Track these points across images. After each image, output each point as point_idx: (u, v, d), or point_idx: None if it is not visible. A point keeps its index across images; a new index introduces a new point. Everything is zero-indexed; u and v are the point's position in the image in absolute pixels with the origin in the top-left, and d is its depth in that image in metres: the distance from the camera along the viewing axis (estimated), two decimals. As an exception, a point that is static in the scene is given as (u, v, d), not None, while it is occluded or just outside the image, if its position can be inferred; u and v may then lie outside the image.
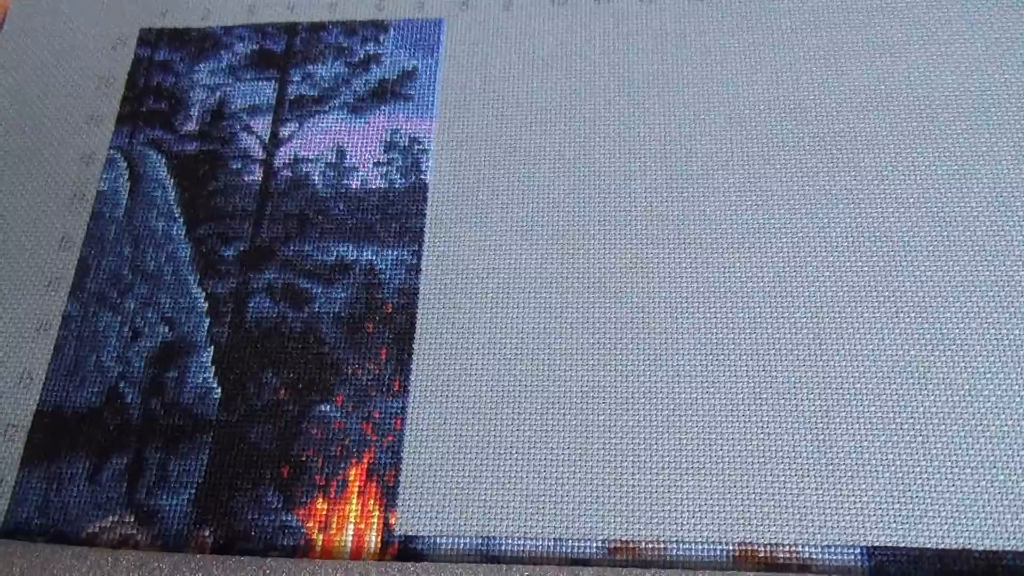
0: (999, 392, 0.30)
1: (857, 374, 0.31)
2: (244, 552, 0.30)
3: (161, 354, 0.34)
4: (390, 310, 0.34)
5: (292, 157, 0.37)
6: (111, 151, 0.38)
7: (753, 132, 0.36)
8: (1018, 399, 0.30)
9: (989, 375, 0.31)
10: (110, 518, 0.31)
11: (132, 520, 0.31)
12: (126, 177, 0.37)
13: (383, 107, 0.38)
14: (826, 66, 0.37)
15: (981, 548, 0.28)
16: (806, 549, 0.29)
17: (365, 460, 0.31)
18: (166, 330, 0.34)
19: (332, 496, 0.31)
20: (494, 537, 0.30)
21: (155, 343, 0.34)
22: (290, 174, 0.37)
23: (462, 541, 0.29)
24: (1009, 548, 0.28)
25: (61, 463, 0.32)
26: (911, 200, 0.34)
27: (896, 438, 0.30)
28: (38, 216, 0.37)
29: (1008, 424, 0.30)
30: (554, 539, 0.29)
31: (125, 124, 0.39)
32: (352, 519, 0.30)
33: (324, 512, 0.30)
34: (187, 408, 0.32)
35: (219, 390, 0.33)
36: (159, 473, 0.31)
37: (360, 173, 0.36)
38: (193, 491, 0.31)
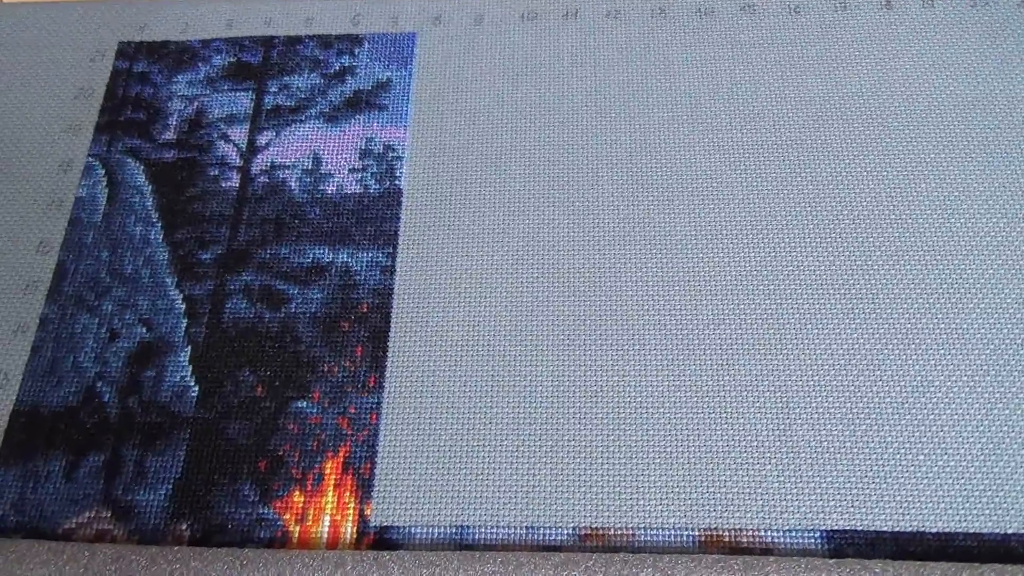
0: (949, 383, 0.32)
1: (816, 368, 0.32)
2: (222, 544, 0.30)
3: (139, 354, 0.34)
4: (365, 310, 0.34)
5: (269, 164, 0.38)
6: (89, 159, 0.39)
7: (714, 139, 0.37)
8: (966, 390, 0.32)
9: (939, 367, 0.32)
10: (87, 514, 0.31)
11: (109, 515, 0.31)
12: (104, 184, 0.38)
13: (358, 116, 0.39)
14: (782, 78, 0.38)
15: (934, 530, 0.29)
16: (768, 533, 0.30)
17: (341, 454, 0.32)
18: (144, 331, 0.34)
19: (309, 489, 0.31)
20: (468, 526, 0.30)
21: (133, 343, 0.34)
22: (267, 180, 0.38)
23: (436, 530, 0.30)
24: (960, 530, 0.29)
25: (38, 461, 0.32)
26: (864, 202, 0.35)
27: (853, 427, 0.31)
28: (16, 222, 0.37)
29: (958, 414, 0.31)
30: (526, 527, 0.30)
31: (103, 133, 0.39)
32: (328, 511, 0.31)
33: (301, 504, 0.31)
34: (164, 406, 0.33)
35: (196, 388, 0.33)
36: (136, 469, 0.32)
37: (336, 179, 0.37)
38: (171, 486, 0.31)
